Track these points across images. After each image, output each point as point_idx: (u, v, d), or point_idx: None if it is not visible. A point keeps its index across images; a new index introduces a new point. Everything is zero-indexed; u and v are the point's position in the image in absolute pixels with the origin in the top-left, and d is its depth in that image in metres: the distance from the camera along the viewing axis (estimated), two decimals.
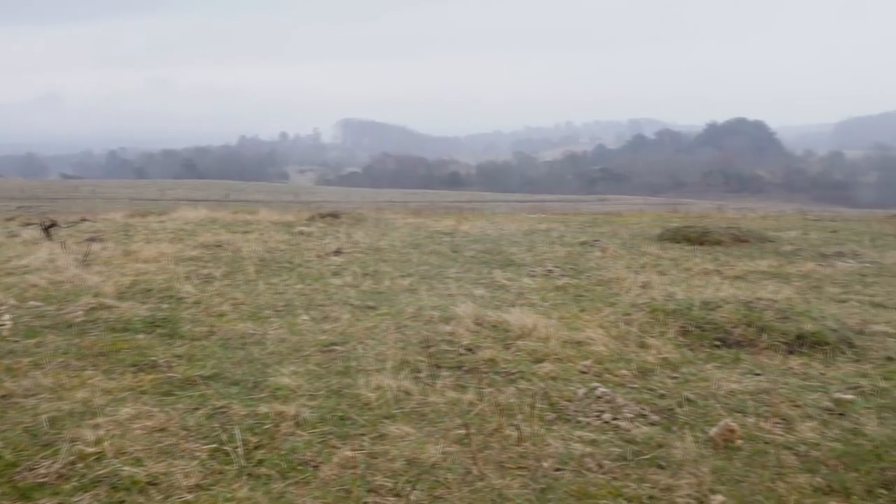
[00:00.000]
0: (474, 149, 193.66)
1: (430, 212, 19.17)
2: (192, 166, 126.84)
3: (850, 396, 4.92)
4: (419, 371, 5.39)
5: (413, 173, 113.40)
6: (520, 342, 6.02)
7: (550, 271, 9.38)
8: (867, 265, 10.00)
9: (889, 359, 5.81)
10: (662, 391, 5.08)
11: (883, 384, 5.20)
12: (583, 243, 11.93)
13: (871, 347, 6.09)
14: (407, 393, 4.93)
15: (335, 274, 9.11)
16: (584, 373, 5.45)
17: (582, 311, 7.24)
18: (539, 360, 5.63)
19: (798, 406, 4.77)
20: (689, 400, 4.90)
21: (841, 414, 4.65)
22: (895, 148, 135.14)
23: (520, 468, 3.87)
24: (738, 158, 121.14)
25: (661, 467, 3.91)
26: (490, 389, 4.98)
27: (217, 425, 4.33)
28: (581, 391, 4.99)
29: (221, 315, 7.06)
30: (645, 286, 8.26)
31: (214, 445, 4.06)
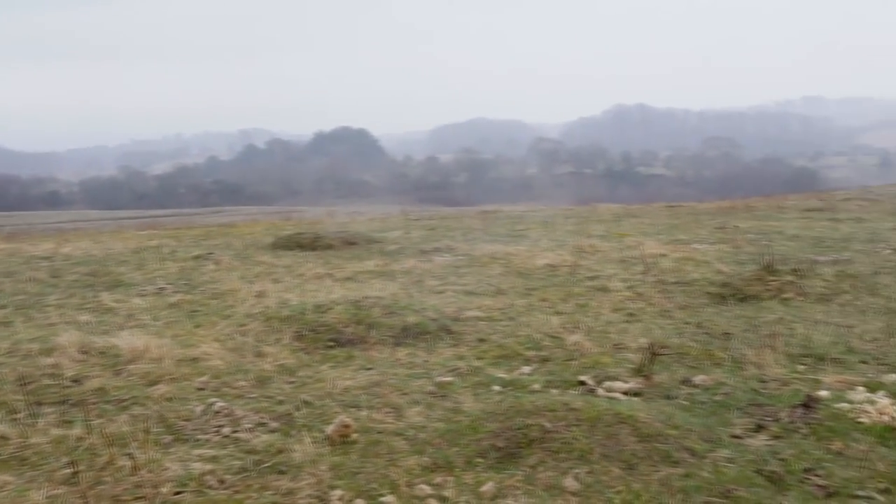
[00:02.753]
0: (76, 164, 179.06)
1: (26, 235, 17.37)
2: None
3: (449, 378, 5.40)
4: (16, 412, 4.86)
5: (5, 193, 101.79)
6: (131, 366, 5.71)
7: (163, 289, 9.01)
8: (460, 258, 11.00)
9: (481, 340, 6.47)
10: (281, 397, 5.14)
11: (477, 363, 5.79)
12: (196, 257, 11.63)
13: (466, 332, 6.72)
14: (3, 438, 4.43)
15: None
16: (201, 389, 5.32)
17: (197, 326, 7.06)
18: (153, 383, 5.39)
19: (406, 394, 5.12)
20: (306, 402, 5.01)
21: (443, 395, 5.07)
22: (480, 151, 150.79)
23: (137, 499, 3.68)
24: (345, 165, 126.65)
25: (282, 472, 3.95)
26: (100, 420, 4.66)
27: None
28: (199, 408, 4.87)
29: None
30: (260, 295, 8.27)
31: None
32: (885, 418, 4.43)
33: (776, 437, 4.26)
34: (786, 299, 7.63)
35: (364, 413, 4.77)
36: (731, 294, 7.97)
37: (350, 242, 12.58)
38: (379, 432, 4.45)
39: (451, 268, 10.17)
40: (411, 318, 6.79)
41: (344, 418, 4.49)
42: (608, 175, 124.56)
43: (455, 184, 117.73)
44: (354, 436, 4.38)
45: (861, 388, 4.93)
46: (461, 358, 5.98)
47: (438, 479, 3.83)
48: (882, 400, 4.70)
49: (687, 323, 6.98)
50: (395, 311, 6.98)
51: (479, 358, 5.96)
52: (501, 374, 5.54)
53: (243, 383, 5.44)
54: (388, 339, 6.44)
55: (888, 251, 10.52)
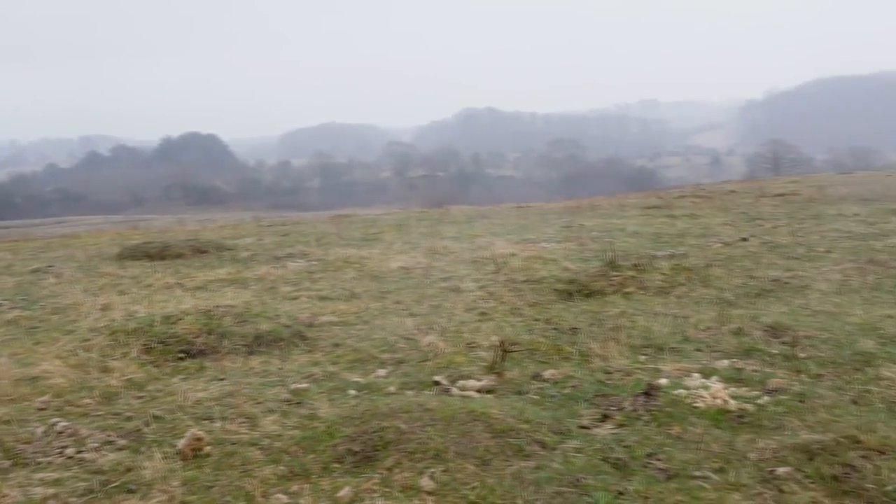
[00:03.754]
0: None
1: None
2: None
3: (305, 385, 5.35)
4: None
5: None
6: None
7: None
8: (314, 263, 10.91)
9: (336, 345, 6.45)
10: (129, 413, 4.94)
11: (332, 368, 5.77)
12: (35, 270, 11.00)
13: (321, 337, 6.68)
14: None
15: None
16: (42, 410, 5.04)
17: (37, 343, 6.68)
18: None
19: (260, 403, 5.03)
20: (156, 417, 4.84)
21: (298, 402, 5.02)
22: (333, 155, 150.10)
23: None
24: (195, 171, 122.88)
25: (131, 491, 3.80)
26: None
27: None
28: (40, 430, 4.61)
29: None
30: (105, 308, 7.91)
31: None
32: (719, 402, 4.74)
33: (621, 426, 4.47)
34: (628, 293, 8.00)
35: (217, 425, 4.65)
36: (577, 290, 8.28)
37: (200, 251, 12.24)
38: (233, 444, 4.36)
39: (304, 273, 10.07)
40: (265, 326, 6.69)
41: (196, 431, 4.36)
42: (460, 177, 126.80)
43: (308, 189, 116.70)
44: (207, 449, 4.26)
45: (697, 375, 5.25)
46: (316, 364, 5.94)
47: (295, 488, 3.79)
48: (715, 385, 5.02)
49: (536, 320, 7.20)
50: (247, 319, 6.86)
51: (334, 363, 5.94)
52: (357, 379, 5.54)
53: (88, 401, 5.19)
54: (241, 348, 6.32)
55: (719, 245, 11.23)
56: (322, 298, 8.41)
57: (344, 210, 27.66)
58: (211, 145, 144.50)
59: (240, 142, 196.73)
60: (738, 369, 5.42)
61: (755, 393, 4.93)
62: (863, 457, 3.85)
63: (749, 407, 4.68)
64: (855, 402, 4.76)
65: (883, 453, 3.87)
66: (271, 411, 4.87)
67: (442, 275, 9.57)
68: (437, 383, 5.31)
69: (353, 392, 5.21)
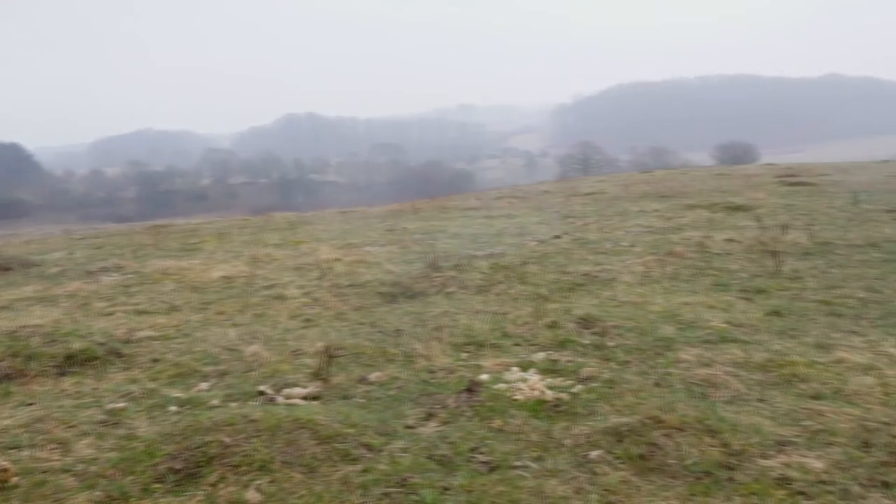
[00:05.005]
0: None
1: None
2: None
3: (122, 404, 5.13)
4: None
5: None
6: None
7: None
8: (130, 276, 10.45)
9: (155, 360, 6.22)
10: None
11: (151, 385, 5.56)
12: None
13: (139, 353, 6.42)
14: None
15: None
16: None
17: None
18: None
19: (73, 426, 4.77)
20: None
21: (115, 423, 4.80)
22: (149, 163, 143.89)
23: None
24: None
25: None
26: None
27: None
28: None
29: None
30: None
31: None
32: (536, 393, 4.97)
33: (445, 423, 4.60)
34: (449, 293, 8.21)
35: (26, 453, 4.38)
36: (401, 292, 8.41)
37: (4, 268, 11.43)
38: (44, 472, 4.12)
39: (120, 287, 9.63)
40: (77, 345, 6.34)
41: (0, 462, 4.10)
42: (282, 184, 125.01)
43: (124, 199, 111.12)
44: (14, 479, 4.00)
45: (515, 369, 5.48)
46: (134, 381, 5.70)
47: None
48: (533, 377, 5.26)
49: (361, 323, 7.25)
50: (57, 338, 6.47)
51: (153, 379, 5.73)
52: (178, 394, 5.37)
53: None
54: (50, 370, 5.95)
55: (534, 243, 11.71)
56: (139, 313, 8.08)
57: (162, 220, 26.60)
58: (14, 155, 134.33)
59: (44, 150, 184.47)
60: (554, 361, 5.70)
61: (569, 382, 5.20)
62: (665, 435, 4.16)
63: (564, 396, 4.94)
64: (658, 385, 5.13)
65: (682, 430, 4.21)
66: (86, 434, 4.64)
67: (265, 283, 9.43)
68: (261, 393, 5.25)
69: (174, 408, 5.05)
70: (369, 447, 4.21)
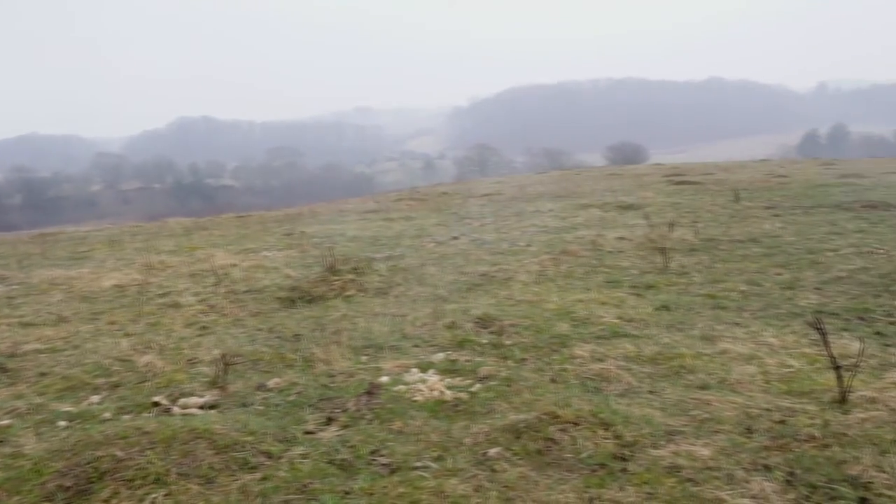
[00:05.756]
0: None
1: None
2: None
3: (7, 421, 4.92)
4: None
5: None
6: None
7: None
8: (15, 287, 10.01)
9: (43, 374, 5.99)
10: None
11: (38, 400, 5.35)
12: None
13: (25, 367, 6.18)
14: None
15: None
16: None
17: None
18: None
19: None
20: None
21: (0, 441, 4.61)
22: (35, 170, 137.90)
23: None
24: None
25: None
26: None
27: None
28: None
29: None
30: None
31: None
32: (436, 393, 5.02)
33: (345, 427, 4.60)
34: (348, 296, 8.20)
35: None
36: (299, 297, 8.34)
37: None
38: None
39: (3, 299, 9.21)
40: None
41: None
42: (177, 189, 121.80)
43: (8, 206, 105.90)
44: None
45: (415, 370, 5.53)
46: (20, 397, 5.47)
47: None
48: (432, 378, 5.32)
49: (259, 329, 7.16)
50: None
51: (41, 394, 5.51)
52: (68, 408, 5.19)
53: None
54: None
55: (433, 244, 11.81)
56: (25, 325, 7.76)
57: (50, 228, 25.49)
58: None
59: None
60: (453, 361, 5.77)
61: (468, 381, 5.28)
62: (561, 430, 4.28)
63: (463, 395, 5.01)
64: (553, 381, 5.26)
65: (577, 424, 4.33)
66: None
67: (159, 291, 9.19)
68: (156, 404, 5.13)
69: (63, 423, 4.88)
70: (268, 455, 4.17)
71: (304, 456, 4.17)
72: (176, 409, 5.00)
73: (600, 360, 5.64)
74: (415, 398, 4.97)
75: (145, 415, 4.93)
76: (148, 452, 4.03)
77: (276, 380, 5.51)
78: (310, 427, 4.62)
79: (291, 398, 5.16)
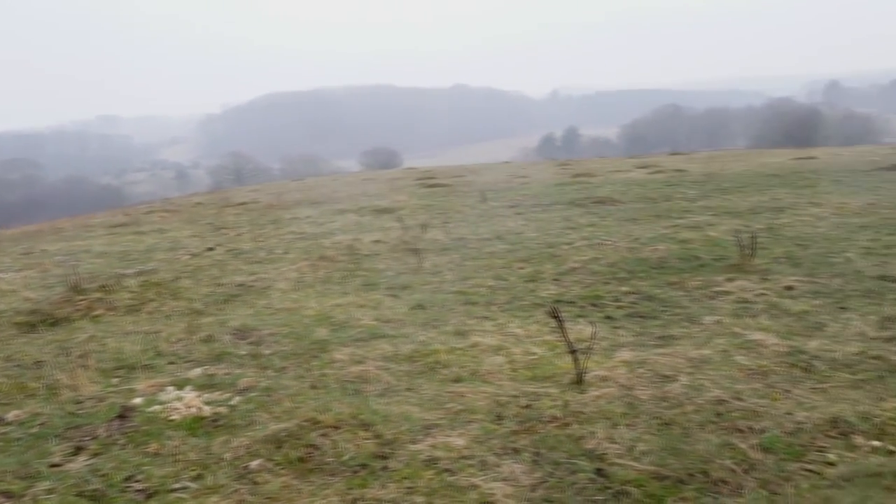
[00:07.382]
0: None
1: None
2: None
3: None
4: None
5: None
6: None
7: None
8: None
9: None
10: None
11: None
12: None
13: None
14: None
15: None
16: None
17: None
18: None
19: None
20: None
21: None
22: None
23: None
24: None
25: None
26: None
27: None
28: None
29: None
30: None
31: None
32: (193, 410, 4.90)
33: (96, 455, 4.36)
34: (96, 316, 7.74)
35: None
36: (41, 320, 7.75)
37: None
38: None
39: None
40: None
41: None
42: None
43: None
44: None
45: (171, 388, 5.34)
46: None
47: None
48: (189, 394, 5.17)
49: None
50: None
51: None
52: None
53: None
54: None
55: (187, 256, 11.41)
56: None
57: None
58: None
59: None
60: (211, 375, 5.64)
61: (227, 395, 5.19)
62: (322, 435, 4.34)
63: (223, 409, 4.92)
64: (314, 387, 5.31)
65: (338, 428, 4.42)
66: None
67: None
68: None
69: None
70: (9, 494, 3.88)
71: (49, 491, 3.92)
72: None
73: (359, 363, 5.75)
74: (171, 417, 4.81)
75: None
76: None
77: (16, 412, 5.11)
78: (56, 459, 4.34)
79: (34, 430, 4.80)
